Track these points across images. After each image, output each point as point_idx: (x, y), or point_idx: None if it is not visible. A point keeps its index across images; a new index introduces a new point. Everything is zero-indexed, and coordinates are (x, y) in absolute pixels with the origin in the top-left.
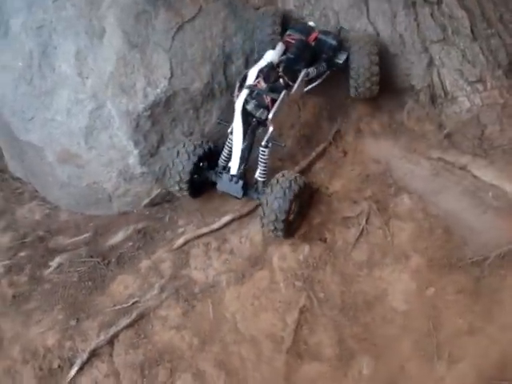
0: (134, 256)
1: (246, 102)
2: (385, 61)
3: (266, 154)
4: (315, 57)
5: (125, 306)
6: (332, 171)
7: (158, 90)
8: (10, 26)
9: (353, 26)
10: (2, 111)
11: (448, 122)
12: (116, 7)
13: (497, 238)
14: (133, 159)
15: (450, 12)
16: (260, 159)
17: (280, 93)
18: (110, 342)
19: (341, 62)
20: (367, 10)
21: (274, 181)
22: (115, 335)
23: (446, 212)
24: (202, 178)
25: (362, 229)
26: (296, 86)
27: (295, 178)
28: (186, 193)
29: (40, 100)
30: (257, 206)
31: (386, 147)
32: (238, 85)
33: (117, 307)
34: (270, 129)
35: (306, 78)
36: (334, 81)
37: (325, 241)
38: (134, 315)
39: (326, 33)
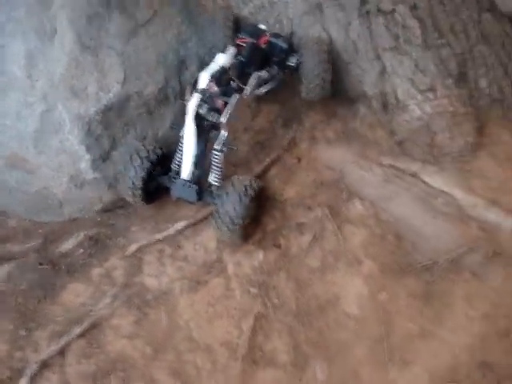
0: (85, 263)
1: (198, 105)
2: (338, 68)
3: (219, 157)
4: (267, 60)
5: (76, 314)
6: (286, 178)
7: (111, 94)
8: None
9: (307, 33)
10: None
11: (399, 129)
12: (68, 8)
13: (446, 243)
14: (84, 164)
15: (402, 21)
16: (213, 163)
17: (232, 96)
18: (62, 352)
19: (293, 64)
20: (321, 17)
21: (229, 184)
22: (67, 345)
23: (397, 218)
24: (156, 184)
25: (315, 234)
26: (248, 88)
27: (250, 181)
28: (139, 199)
29: None
30: (211, 213)
31: (340, 154)
32: (189, 89)
33: (68, 316)
34: (223, 132)
35: (259, 81)
36: (288, 88)
37: (279, 247)
38: (85, 324)
39: (276, 36)
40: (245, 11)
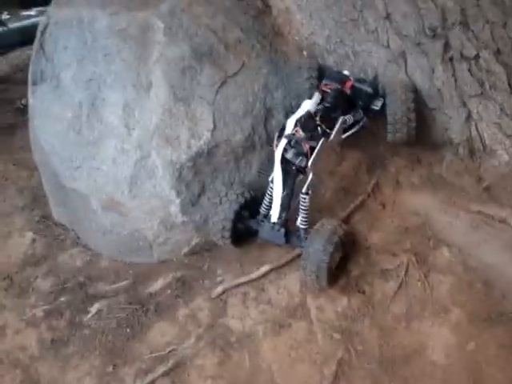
0: (172, 304)
1: (285, 150)
2: (424, 115)
3: (306, 201)
4: (352, 104)
5: (162, 353)
6: (370, 223)
7: (201, 142)
8: (61, 79)
9: (391, 77)
10: (51, 160)
11: (487, 175)
12: (163, 62)
13: None
14: (174, 208)
15: (487, 67)
16: (301, 206)
17: (318, 140)
18: None
19: (377, 107)
20: (405, 65)
21: (316, 227)
22: (151, 383)
23: (486, 265)
24: (244, 227)
25: (401, 281)
26: (334, 133)
27: (339, 224)
28: (228, 241)
29: (87, 149)
30: (295, 257)
31: (425, 200)
32: (276, 135)
33: (154, 355)
34: (310, 176)
35: (344, 126)
36: (372, 134)
37: (363, 293)
38: (170, 363)
39: (361, 80)
40: (329, 61)
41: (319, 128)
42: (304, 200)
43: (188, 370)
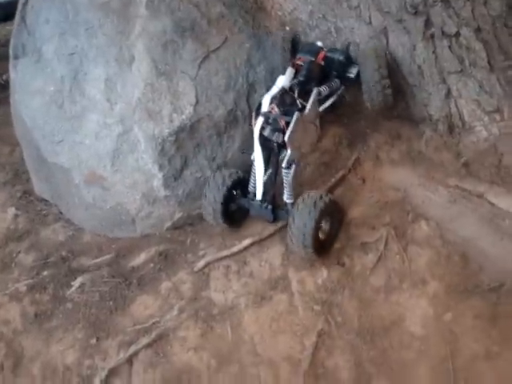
0: (154, 277)
1: (262, 128)
2: (404, 91)
3: (289, 175)
4: (326, 75)
5: (145, 325)
6: (351, 198)
7: (184, 116)
8: (43, 52)
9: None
10: (33, 134)
11: (465, 151)
12: (145, 36)
13: None
14: (157, 182)
15: (467, 44)
16: (284, 181)
17: (293, 115)
18: (129, 360)
19: (352, 75)
20: (387, 42)
21: (299, 200)
22: (134, 354)
23: (463, 239)
24: (236, 206)
25: (380, 254)
26: (309, 105)
27: (320, 195)
28: (221, 221)
29: (70, 123)
30: (277, 230)
31: (405, 175)
32: (254, 114)
33: (137, 327)
34: (289, 150)
35: (320, 97)
36: (353, 111)
37: (343, 265)
38: (153, 335)
39: (333, 50)
40: (311, 36)
41: (298, 102)
42: (287, 174)
43: (171, 342)
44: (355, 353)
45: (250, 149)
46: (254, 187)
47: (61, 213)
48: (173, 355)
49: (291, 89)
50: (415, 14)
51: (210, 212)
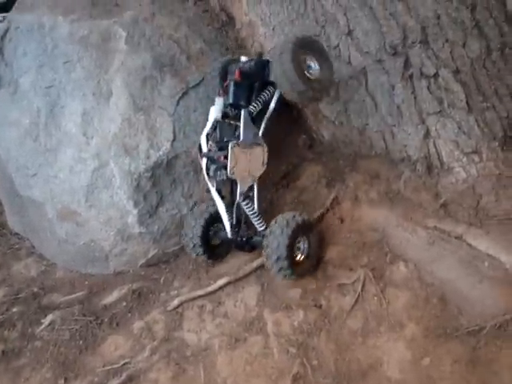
0: (127, 316)
1: (207, 169)
2: (383, 131)
3: (248, 205)
4: (250, 89)
5: (115, 366)
6: (329, 238)
7: (160, 152)
8: (20, 84)
9: (351, 97)
10: (6, 166)
11: (444, 191)
12: (124, 71)
13: (492, 307)
14: (131, 219)
15: (446, 85)
16: (248, 213)
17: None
18: None
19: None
20: (366, 82)
21: (272, 222)
22: None
23: (442, 281)
24: (220, 240)
25: (358, 296)
26: (241, 130)
27: (293, 215)
28: (203, 257)
29: (44, 157)
30: (252, 270)
31: (383, 215)
32: (199, 156)
33: (107, 368)
34: (238, 183)
35: (252, 115)
36: (331, 150)
37: (320, 307)
38: (123, 377)
39: (245, 63)
40: None
41: (235, 130)
42: (246, 206)
43: None
44: None
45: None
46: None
47: (33, 247)
48: None
49: (226, 115)
50: (394, 54)
51: (190, 247)
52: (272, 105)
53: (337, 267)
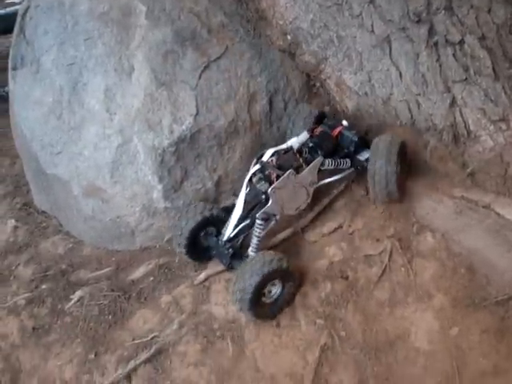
0: (154, 291)
1: (253, 174)
2: (408, 99)
3: (261, 226)
4: (337, 150)
5: (144, 340)
6: (354, 209)
7: (184, 127)
8: (42, 63)
9: (376, 67)
10: (31, 145)
11: (471, 160)
12: (145, 46)
13: None
14: (156, 194)
15: (471, 52)
16: (254, 232)
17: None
18: (128, 376)
19: (362, 158)
20: (390, 51)
21: (249, 259)
22: (133, 370)
23: (469, 250)
24: (205, 244)
25: (385, 267)
26: (306, 169)
27: (271, 260)
28: (186, 256)
29: (68, 134)
30: (279, 243)
31: (409, 185)
32: (254, 161)
33: (136, 341)
34: (270, 202)
35: (322, 167)
36: (359, 123)
37: (346, 278)
38: (152, 350)
39: (350, 128)
40: (313, 46)
41: (298, 164)
42: (259, 226)
43: (170, 357)
44: (359, 369)
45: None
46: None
47: (60, 225)
48: (172, 371)
49: (300, 152)
50: (418, 22)
51: (177, 242)
52: (340, 175)
53: (363, 238)
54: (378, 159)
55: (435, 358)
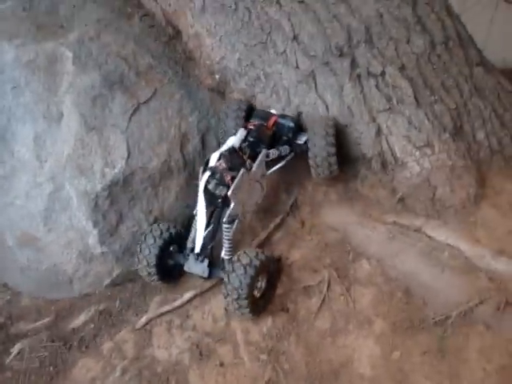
0: (96, 338)
1: (207, 182)
2: (337, 132)
3: (229, 231)
4: (276, 139)
5: None
6: (291, 241)
7: (116, 170)
8: None
9: (303, 101)
10: None
11: (400, 186)
12: (73, 92)
13: (456, 296)
14: (92, 239)
15: (393, 82)
16: (224, 236)
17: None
18: None
19: (301, 142)
20: (315, 85)
21: (235, 259)
22: None
23: (405, 274)
24: (173, 262)
25: (324, 297)
26: (256, 163)
27: (256, 253)
28: (155, 277)
29: None
30: (219, 281)
31: (343, 215)
32: (201, 169)
33: None
34: (232, 205)
35: (267, 159)
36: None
37: (287, 311)
38: None
39: (284, 116)
40: (241, 84)
41: (245, 162)
42: (227, 230)
43: None
44: None
45: (194, 204)
46: (193, 242)
47: None
48: None
49: (241, 149)
50: (340, 55)
51: (143, 265)
52: (283, 162)
53: (301, 270)
54: (318, 142)
55: (379, 383)
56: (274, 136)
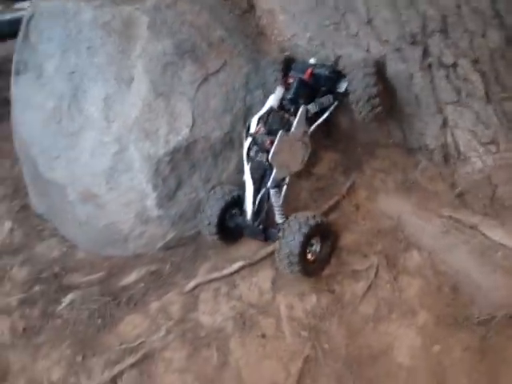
0: (144, 297)
1: (249, 149)
2: (401, 119)
3: (277, 194)
4: (315, 91)
5: (131, 345)
6: (344, 224)
7: (180, 137)
8: (44, 69)
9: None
10: (30, 149)
11: (460, 181)
12: (145, 57)
13: (504, 297)
14: (150, 202)
15: (464, 75)
16: (273, 202)
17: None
18: (114, 380)
19: (341, 90)
20: (385, 71)
21: (291, 217)
22: (119, 374)
23: (455, 270)
24: (234, 224)
25: (371, 282)
26: (294, 123)
27: (313, 215)
28: (215, 237)
29: (67, 140)
30: (269, 254)
31: (399, 203)
32: (244, 136)
33: (123, 346)
34: (274, 170)
35: (309, 115)
36: (350, 137)
37: (333, 292)
38: (139, 355)
39: (321, 66)
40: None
41: (288, 120)
42: (274, 194)
43: (156, 363)
44: (341, 382)
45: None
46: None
47: (56, 228)
48: (157, 376)
49: (282, 107)
50: (413, 43)
51: (205, 225)
52: (327, 113)
53: (351, 253)
54: (357, 85)
55: (417, 373)
56: (313, 88)
